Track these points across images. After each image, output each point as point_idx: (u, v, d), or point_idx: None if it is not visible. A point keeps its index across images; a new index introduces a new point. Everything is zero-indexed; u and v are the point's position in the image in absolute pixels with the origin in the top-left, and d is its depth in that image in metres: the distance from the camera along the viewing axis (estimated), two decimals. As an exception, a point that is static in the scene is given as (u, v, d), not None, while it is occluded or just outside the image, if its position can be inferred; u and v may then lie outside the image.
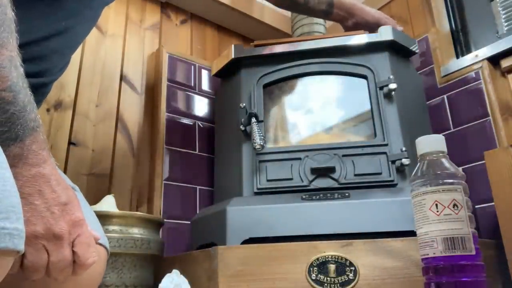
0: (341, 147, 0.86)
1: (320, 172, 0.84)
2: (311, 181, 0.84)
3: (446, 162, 0.54)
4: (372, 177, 0.82)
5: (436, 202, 0.51)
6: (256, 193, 0.85)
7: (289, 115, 0.99)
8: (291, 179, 0.84)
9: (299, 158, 0.86)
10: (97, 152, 1.03)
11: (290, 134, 0.98)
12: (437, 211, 0.50)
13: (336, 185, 0.82)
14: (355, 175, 0.83)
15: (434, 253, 0.50)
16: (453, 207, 0.50)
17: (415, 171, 0.55)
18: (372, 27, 1.01)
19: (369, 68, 0.92)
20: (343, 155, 0.84)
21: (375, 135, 0.87)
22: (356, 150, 0.85)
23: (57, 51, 0.62)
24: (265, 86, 0.96)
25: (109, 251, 0.71)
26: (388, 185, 0.81)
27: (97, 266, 0.54)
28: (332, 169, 0.83)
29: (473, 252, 0.49)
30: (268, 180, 0.86)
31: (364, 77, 0.92)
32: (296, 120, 0.99)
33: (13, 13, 0.42)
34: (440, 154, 0.55)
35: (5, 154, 0.37)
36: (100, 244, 0.55)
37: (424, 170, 0.54)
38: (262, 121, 0.91)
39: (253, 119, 0.89)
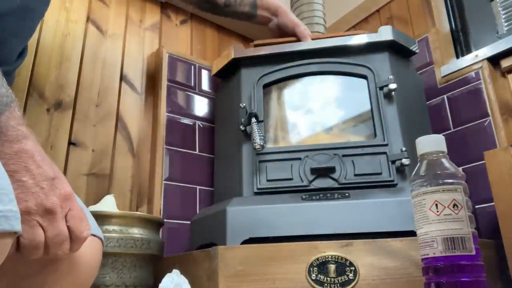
0: (341, 147, 0.86)
1: (320, 172, 0.84)
2: (311, 181, 0.84)
3: (446, 162, 0.54)
4: (372, 177, 0.82)
5: (436, 202, 0.51)
6: (256, 193, 0.85)
7: (289, 115, 0.99)
8: (291, 179, 0.84)
9: (299, 158, 0.86)
10: (97, 152, 1.03)
11: (290, 134, 0.98)
12: (437, 211, 0.50)
13: (336, 185, 0.82)
14: (355, 175, 0.83)
15: (434, 253, 0.50)
16: (453, 207, 0.50)
17: (415, 171, 0.55)
18: (289, 31, 1.02)
19: (369, 68, 0.92)
20: (343, 155, 0.84)
21: (375, 135, 0.87)
22: (356, 150, 0.85)
23: (15, 34, 0.59)
24: (265, 86, 0.96)
25: (109, 251, 0.71)
26: (388, 185, 0.81)
27: (93, 258, 0.54)
28: (332, 169, 0.83)
29: (473, 252, 0.49)
30: (268, 180, 0.86)
31: (364, 77, 0.92)
32: (296, 120, 0.99)
33: None
34: (440, 154, 0.55)
35: None
36: (95, 235, 0.54)
37: (424, 170, 0.54)
38: (262, 121, 0.91)
39: (253, 119, 0.89)
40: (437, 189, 0.51)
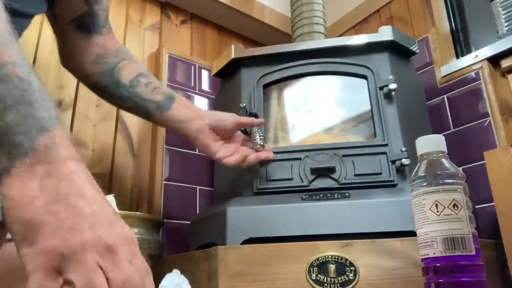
0: (341, 147, 0.86)
1: (320, 173, 0.84)
2: (311, 181, 0.84)
3: (446, 162, 0.54)
4: (372, 177, 0.82)
5: (436, 202, 0.51)
6: (256, 193, 0.85)
7: (289, 115, 0.99)
8: (291, 179, 0.84)
9: (299, 158, 0.86)
10: (97, 152, 1.03)
11: (290, 134, 0.98)
12: (437, 211, 0.50)
13: (336, 185, 0.82)
14: (355, 175, 0.83)
15: (434, 253, 0.50)
16: (453, 207, 0.50)
17: (415, 171, 0.55)
18: (231, 122, 0.81)
19: (369, 68, 0.92)
20: (343, 155, 0.84)
21: (375, 135, 0.87)
22: (356, 150, 0.85)
23: None
24: (265, 86, 0.96)
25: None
26: (388, 185, 0.81)
27: None
28: (332, 169, 0.83)
29: (473, 252, 0.48)
30: (268, 180, 0.86)
31: (364, 77, 0.92)
32: (296, 120, 0.99)
33: None
34: (440, 154, 0.55)
35: (29, 149, 0.31)
36: None
37: (424, 170, 0.54)
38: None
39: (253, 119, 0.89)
40: (437, 189, 0.51)
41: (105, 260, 0.31)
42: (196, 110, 0.81)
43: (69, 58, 0.76)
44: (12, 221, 0.30)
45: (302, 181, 0.84)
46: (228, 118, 0.81)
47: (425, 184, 0.53)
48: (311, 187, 0.83)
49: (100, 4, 0.75)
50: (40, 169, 0.32)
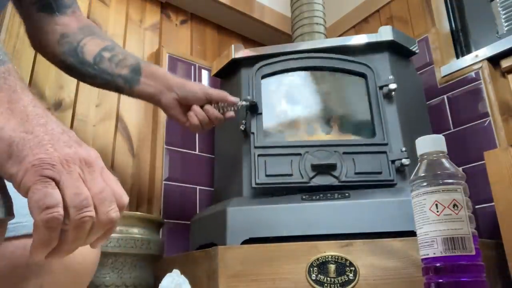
0: (341, 145, 0.85)
1: (321, 169, 0.82)
2: (311, 178, 0.82)
3: (446, 162, 0.54)
4: (372, 176, 0.82)
5: (436, 202, 0.51)
6: (254, 188, 0.83)
7: (288, 111, 0.99)
8: (290, 175, 0.82)
9: (299, 154, 0.84)
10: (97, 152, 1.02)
11: (290, 130, 0.98)
12: (437, 211, 0.50)
13: (336, 182, 0.81)
14: (356, 173, 0.82)
15: (434, 253, 0.50)
16: (453, 207, 0.50)
17: (415, 171, 0.55)
18: (200, 98, 0.81)
19: (369, 66, 0.92)
20: (344, 153, 0.84)
21: (375, 135, 0.87)
22: (356, 148, 0.84)
23: None
24: (263, 77, 0.94)
25: (109, 251, 0.71)
26: (388, 185, 0.81)
27: (90, 254, 0.53)
28: (333, 166, 0.82)
29: (473, 252, 0.48)
30: (267, 175, 0.83)
31: (363, 76, 0.92)
32: (295, 115, 0.98)
33: None
34: (440, 154, 0.55)
35: None
36: None
37: (424, 170, 0.54)
38: (261, 113, 0.90)
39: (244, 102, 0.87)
40: (437, 189, 0.51)
41: (85, 172, 0.34)
42: (164, 80, 0.79)
43: (36, 40, 0.76)
44: None
45: (302, 177, 0.82)
46: (196, 90, 0.81)
47: (425, 184, 0.53)
48: (311, 184, 0.82)
49: None
50: (3, 96, 0.34)
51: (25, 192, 0.31)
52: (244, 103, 0.86)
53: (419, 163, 0.56)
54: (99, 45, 0.76)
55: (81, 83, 1.04)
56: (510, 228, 0.76)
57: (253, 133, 0.86)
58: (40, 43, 0.76)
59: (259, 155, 0.85)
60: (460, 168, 0.58)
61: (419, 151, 0.56)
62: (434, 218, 0.50)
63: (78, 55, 0.75)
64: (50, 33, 0.74)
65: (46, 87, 0.98)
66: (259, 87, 0.93)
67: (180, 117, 0.82)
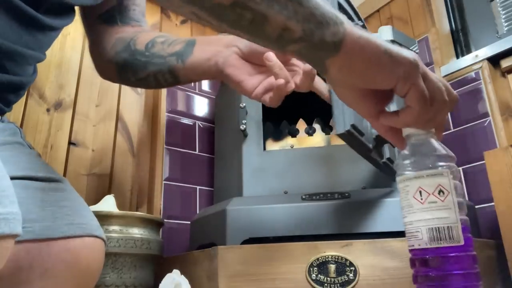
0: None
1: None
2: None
3: (432, 142, 0.48)
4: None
5: (420, 189, 0.45)
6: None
7: (288, 115, 0.99)
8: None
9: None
10: (97, 152, 1.03)
11: (289, 135, 0.98)
12: (421, 199, 0.45)
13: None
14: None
15: (419, 245, 0.45)
16: (439, 193, 0.44)
17: (399, 154, 0.50)
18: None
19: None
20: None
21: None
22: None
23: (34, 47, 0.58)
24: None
25: (109, 251, 0.71)
26: (388, 185, 0.81)
27: (96, 259, 0.53)
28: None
29: (461, 242, 0.43)
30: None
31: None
32: (294, 120, 0.99)
33: None
34: (428, 134, 0.48)
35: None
36: (97, 236, 0.53)
37: (408, 152, 0.48)
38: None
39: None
40: (420, 174, 0.45)
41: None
42: (223, 41, 0.63)
43: (97, 59, 0.73)
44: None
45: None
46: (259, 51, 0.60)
47: (408, 168, 0.47)
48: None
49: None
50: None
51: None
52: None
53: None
54: (153, 34, 0.69)
55: (81, 83, 1.04)
56: (510, 228, 0.76)
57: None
58: (101, 56, 0.71)
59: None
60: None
61: (405, 132, 0.51)
62: (418, 207, 0.45)
63: (130, 48, 0.68)
64: (107, 41, 0.70)
65: (46, 87, 0.98)
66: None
67: (242, 78, 0.60)
